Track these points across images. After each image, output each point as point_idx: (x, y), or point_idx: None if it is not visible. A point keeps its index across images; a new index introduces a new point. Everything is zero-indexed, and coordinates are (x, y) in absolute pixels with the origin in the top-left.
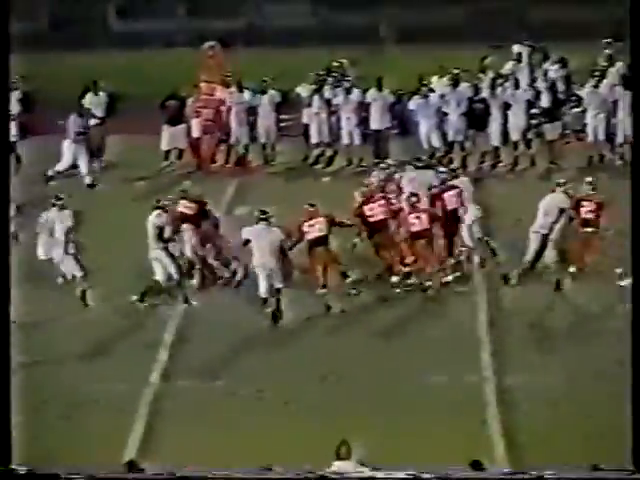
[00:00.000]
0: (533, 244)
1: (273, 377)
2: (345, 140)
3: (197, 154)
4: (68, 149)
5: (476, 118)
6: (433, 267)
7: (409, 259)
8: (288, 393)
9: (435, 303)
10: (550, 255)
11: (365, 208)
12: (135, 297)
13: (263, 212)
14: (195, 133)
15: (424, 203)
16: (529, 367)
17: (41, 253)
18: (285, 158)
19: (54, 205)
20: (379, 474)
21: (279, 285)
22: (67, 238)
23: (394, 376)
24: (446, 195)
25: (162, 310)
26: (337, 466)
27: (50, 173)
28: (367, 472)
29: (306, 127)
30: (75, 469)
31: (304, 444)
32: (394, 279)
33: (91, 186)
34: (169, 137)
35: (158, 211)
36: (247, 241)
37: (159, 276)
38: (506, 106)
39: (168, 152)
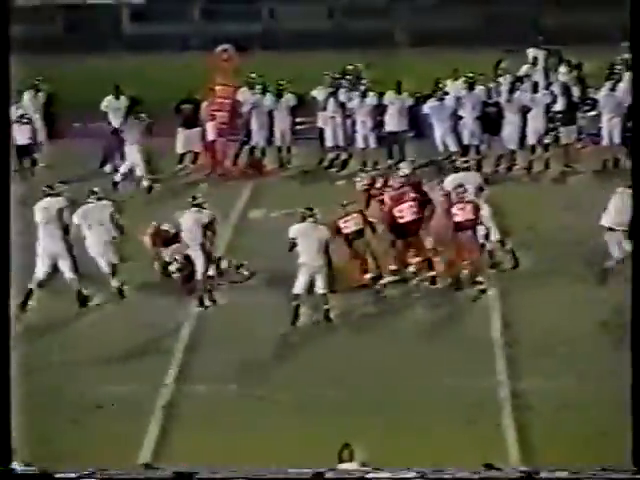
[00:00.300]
0: (615, 240)
1: (287, 380)
2: (360, 144)
3: (212, 157)
4: (130, 154)
5: (490, 122)
6: (473, 260)
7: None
8: (302, 395)
9: (450, 306)
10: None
11: (395, 210)
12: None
13: (309, 209)
14: (210, 136)
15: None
16: (544, 371)
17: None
18: (300, 161)
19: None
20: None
21: (323, 290)
22: (111, 224)
23: (408, 378)
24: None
25: (177, 311)
26: (340, 469)
27: (146, 183)
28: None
29: (321, 130)
30: (76, 469)
31: (318, 446)
32: (410, 269)
33: (115, 185)
34: (184, 140)
35: (196, 208)
36: (294, 240)
37: (199, 275)
38: (523, 109)
39: (183, 155)
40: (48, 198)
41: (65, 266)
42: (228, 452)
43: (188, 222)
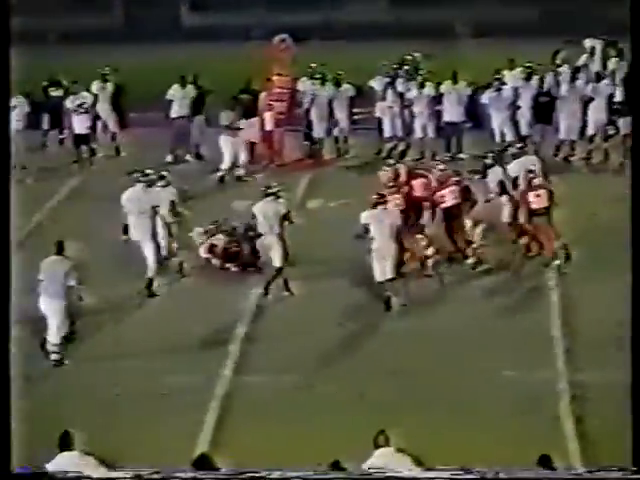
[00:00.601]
0: None
1: (346, 371)
2: (418, 133)
3: (269, 147)
4: (225, 144)
5: (543, 111)
6: (552, 247)
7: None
8: (360, 388)
9: (507, 297)
10: None
11: (437, 194)
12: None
13: (380, 195)
14: (268, 126)
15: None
16: (603, 363)
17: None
18: (358, 151)
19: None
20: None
21: (391, 276)
22: (171, 214)
23: (465, 371)
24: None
25: (236, 301)
26: (377, 455)
27: (220, 173)
28: (407, 461)
29: (379, 120)
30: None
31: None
32: (470, 261)
33: (222, 179)
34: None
35: (271, 198)
36: (367, 225)
37: (277, 263)
38: (583, 99)
39: None
40: (139, 186)
41: (150, 253)
42: (283, 444)
43: (264, 211)
